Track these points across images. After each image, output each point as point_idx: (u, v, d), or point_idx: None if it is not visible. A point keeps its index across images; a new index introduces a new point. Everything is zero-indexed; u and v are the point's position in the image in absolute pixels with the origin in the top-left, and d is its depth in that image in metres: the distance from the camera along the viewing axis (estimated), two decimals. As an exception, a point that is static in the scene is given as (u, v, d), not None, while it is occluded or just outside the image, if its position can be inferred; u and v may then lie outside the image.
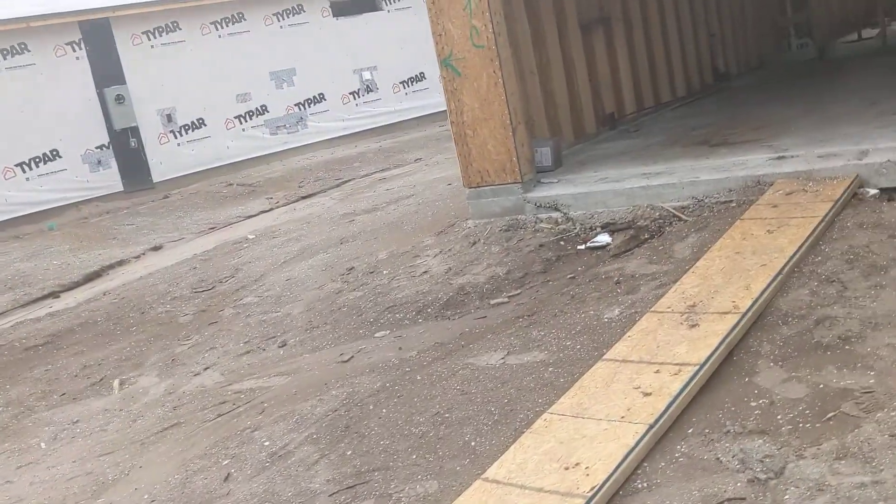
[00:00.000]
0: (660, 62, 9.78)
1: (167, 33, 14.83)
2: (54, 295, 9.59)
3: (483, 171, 6.79)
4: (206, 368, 5.63)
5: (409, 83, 17.68)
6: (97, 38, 14.01)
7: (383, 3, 17.36)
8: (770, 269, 4.30)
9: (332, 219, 10.04)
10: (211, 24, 15.28)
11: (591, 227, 6.14)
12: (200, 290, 7.88)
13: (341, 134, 16.76)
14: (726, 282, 4.30)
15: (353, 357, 4.97)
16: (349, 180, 13.60)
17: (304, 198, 12.91)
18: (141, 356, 6.38)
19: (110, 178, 14.23)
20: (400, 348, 4.88)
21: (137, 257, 10.83)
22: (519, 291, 5.39)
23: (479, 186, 6.85)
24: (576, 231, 6.17)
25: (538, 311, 4.87)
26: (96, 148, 14.11)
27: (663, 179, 6.13)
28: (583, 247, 5.87)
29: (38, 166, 13.66)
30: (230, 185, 14.77)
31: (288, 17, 16.29)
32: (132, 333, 6.96)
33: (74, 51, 13.76)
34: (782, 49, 13.32)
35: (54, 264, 10.95)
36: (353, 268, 6.95)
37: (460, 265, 6.07)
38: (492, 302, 5.35)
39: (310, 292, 6.72)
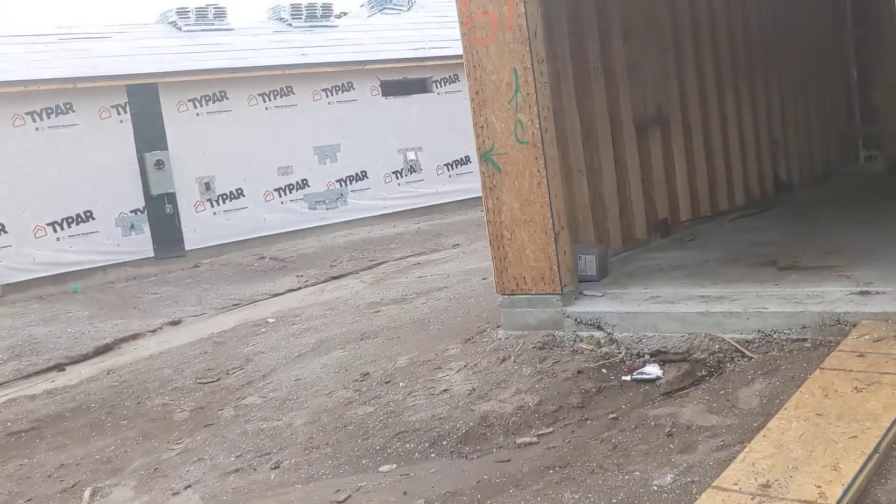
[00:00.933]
0: (719, 168, 9.13)
1: (214, 102, 14.76)
2: (60, 367, 9.09)
3: (519, 277, 6.13)
4: (187, 486, 4.94)
5: (453, 166, 17.35)
6: (143, 103, 13.97)
7: (433, 85, 17.20)
8: (863, 443, 3.49)
9: (357, 307, 9.44)
10: (259, 95, 15.20)
11: (638, 354, 5.40)
12: (205, 380, 7.26)
13: (381, 213, 16.39)
14: (807, 455, 3.49)
15: (349, 497, 4.23)
16: (383, 262, 13.06)
17: (334, 278, 12.37)
18: (124, 458, 5.72)
19: (142, 244, 13.97)
20: (405, 493, 4.14)
21: (154, 331, 10.33)
22: (551, 430, 4.63)
23: (513, 294, 6.18)
24: (620, 356, 5.43)
25: (572, 461, 4.10)
26: (131, 212, 13.91)
27: (725, 306, 5.38)
28: (628, 378, 5.12)
29: (69, 226, 13.46)
30: (262, 258, 14.37)
31: (337, 94, 16.17)
32: (121, 429, 6.32)
33: (119, 114, 13.72)
34: (849, 160, 12.56)
35: (68, 332, 10.50)
36: (369, 374, 6.27)
37: (486, 386, 5.34)
38: (518, 441, 4.59)
39: (318, 399, 6.04)
